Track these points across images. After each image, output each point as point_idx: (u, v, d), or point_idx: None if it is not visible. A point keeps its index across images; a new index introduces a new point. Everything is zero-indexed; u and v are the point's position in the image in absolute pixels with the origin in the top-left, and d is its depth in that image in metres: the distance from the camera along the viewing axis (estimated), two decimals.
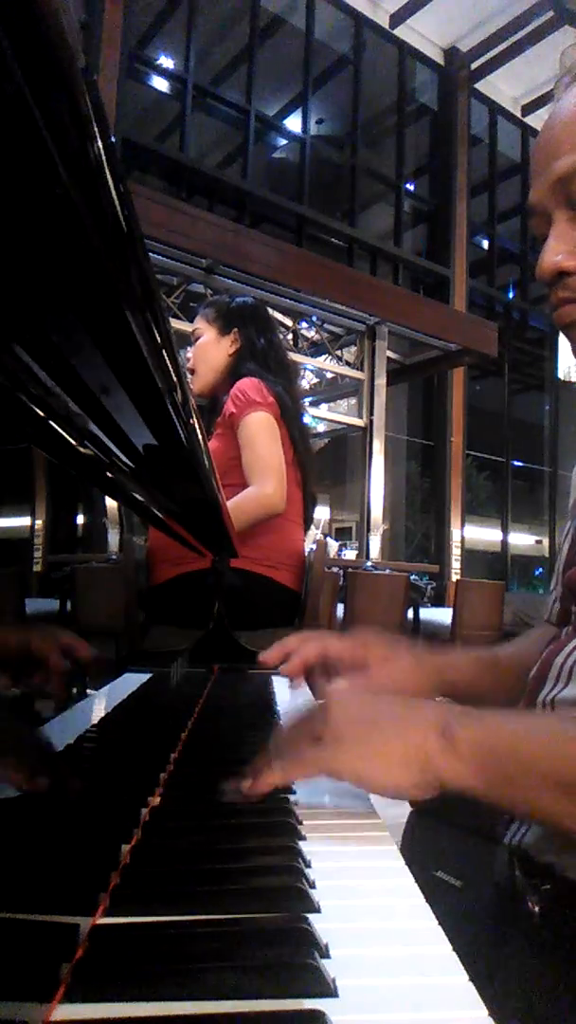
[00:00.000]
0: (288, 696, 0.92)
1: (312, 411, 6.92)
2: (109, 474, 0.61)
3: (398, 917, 0.35)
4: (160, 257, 4.96)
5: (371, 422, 6.44)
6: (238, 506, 1.67)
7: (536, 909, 0.51)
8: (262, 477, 1.71)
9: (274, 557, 1.80)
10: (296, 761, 0.46)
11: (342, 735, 0.45)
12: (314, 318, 6.26)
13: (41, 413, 0.44)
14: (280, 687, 0.99)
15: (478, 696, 0.75)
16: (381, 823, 0.47)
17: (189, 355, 2.02)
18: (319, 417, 7.03)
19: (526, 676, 0.77)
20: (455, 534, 8.19)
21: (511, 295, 9.82)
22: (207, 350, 1.94)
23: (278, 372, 1.91)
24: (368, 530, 6.36)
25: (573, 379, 5.75)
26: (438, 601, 6.63)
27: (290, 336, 6.33)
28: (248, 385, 1.78)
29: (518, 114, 9.47)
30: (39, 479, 6.65)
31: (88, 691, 0.96)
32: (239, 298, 2.04)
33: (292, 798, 0.50)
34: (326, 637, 0.72)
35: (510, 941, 0.53)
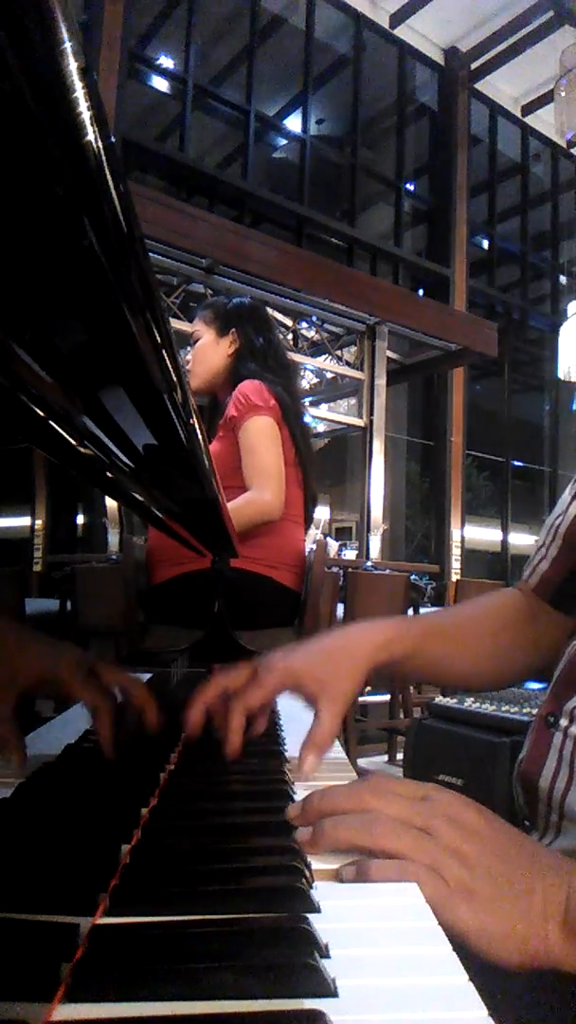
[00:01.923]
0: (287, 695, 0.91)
1: (312, 411, 6.92)
2: (109, 474, 0.61)
3: (398, 917, 0.35)
4: (160, 257, 4.96)
5: (371, 422, 6.44)
6: (236, 510, 1.67)
7: None
8: (261, 483, 1.71)
9: (274, 557, 1.80)
10: (410, 876, 0.39)
11: (467, 889, 0.39)
12: (314, 318, 6.25)
13: (41, 413, 0.44)
14: None
15: (420, 666, 0.72)
16: None
17: (188, 356, 2.01)
18: (319, 417, 7.03)
19: (470, 644, 0.76)
20: (455, 534, 8.19)
21: (511, 295, 9.81)
22: (206, 351, 1.94)
23: (278, 371, 1.91)
24: (368, 530, 6.36)
25: (573, 379, 5.74)
26: (438, 601, 6.62)
27: (290, 336, 6.33)
28: (250, 388, 1.78)
29: (518, 114, 9.47)
30: (39, 479, 6.64)
31: None
32: (236, 298, 2.04)
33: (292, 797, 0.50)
34: (224, 675, 0.65)
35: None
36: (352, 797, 0.43)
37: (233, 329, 1.92)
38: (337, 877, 0.40)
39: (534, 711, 0.70)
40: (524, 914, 0.39)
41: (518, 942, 0.38)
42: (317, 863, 0.40)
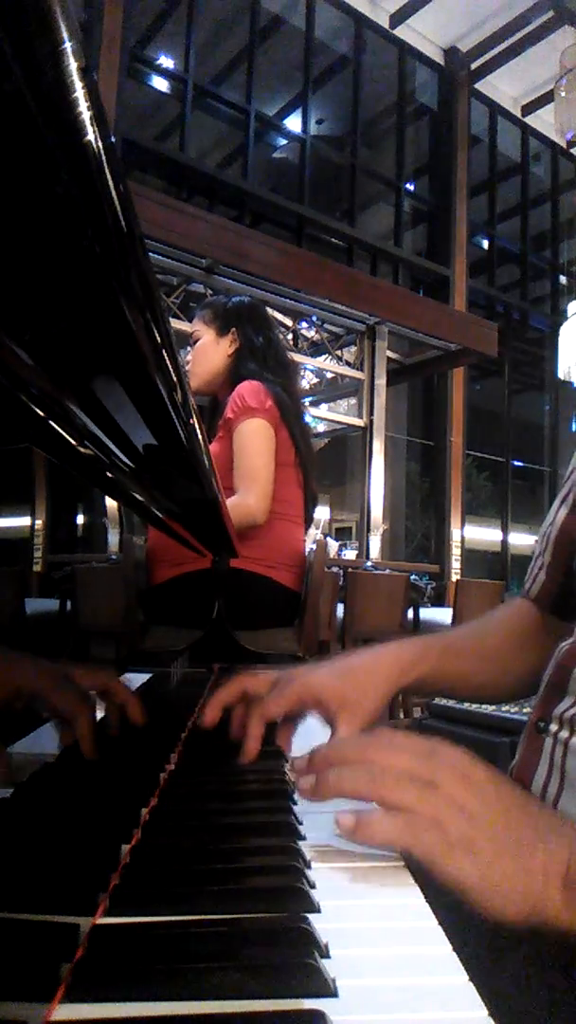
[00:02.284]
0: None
1: (312, 411, 6.92)
2: (109, 474, 0.61)
3: (398, 917, 0.35)
4: (160, 257, 4.96)
5: (371, 422, 6.44)
6: None
7: None
8: (246, 487, 1.71)
9: (274, 557, 1.80)
10: (409, 831, 0.39)
11: (469, 843, 0.39)
12: (314, 318, 6.26)
13: (41, 413, 0.44)
14: None
15: (442, 685, 0.72)
16: None
17: (188, 356, 2.01)
18: (319, 417, 7.03)
19: (491, 659, 0.76)
20: (455, 534, 8.19)
21: (511, 295, 9.81)
22: (206, 351, 1.93)
23: (277, 371, 1.91)
24: (368, 530, 6.36)
25: (573, 379, 5.74)
26: (438, 601, 6.63)
27: (290, 336, 6.33)
28: (247, 390, 1.77)
29: (518, 114, 9.47)
30: (39, 479, 6.64)
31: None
32: (236, 298, 2.04)
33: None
34: (248, 678, 0.66)
35: (514, 942, 0.53)
36: (359, 749, 0.44)
37: (233, 329, 1.92)
38: (335, 823, 0.40)
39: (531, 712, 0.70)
40: (525, 870, 0.39)
41: (518, 897, 0.39)
42: (317, 862, 0.40)
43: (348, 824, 0.40)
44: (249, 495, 1.70)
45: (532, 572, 0.80)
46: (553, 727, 0.62)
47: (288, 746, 0.66)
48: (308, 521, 1.98)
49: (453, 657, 0.73)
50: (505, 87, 9.11)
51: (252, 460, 1.73)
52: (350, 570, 3.85)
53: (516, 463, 10.04)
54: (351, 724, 0.63)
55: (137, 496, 0.73)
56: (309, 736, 0.73)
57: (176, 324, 4.85)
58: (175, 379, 0.43)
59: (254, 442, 1.74)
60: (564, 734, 0.60)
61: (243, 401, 1.76)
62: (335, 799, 0.43)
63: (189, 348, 2.02)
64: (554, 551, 0.76)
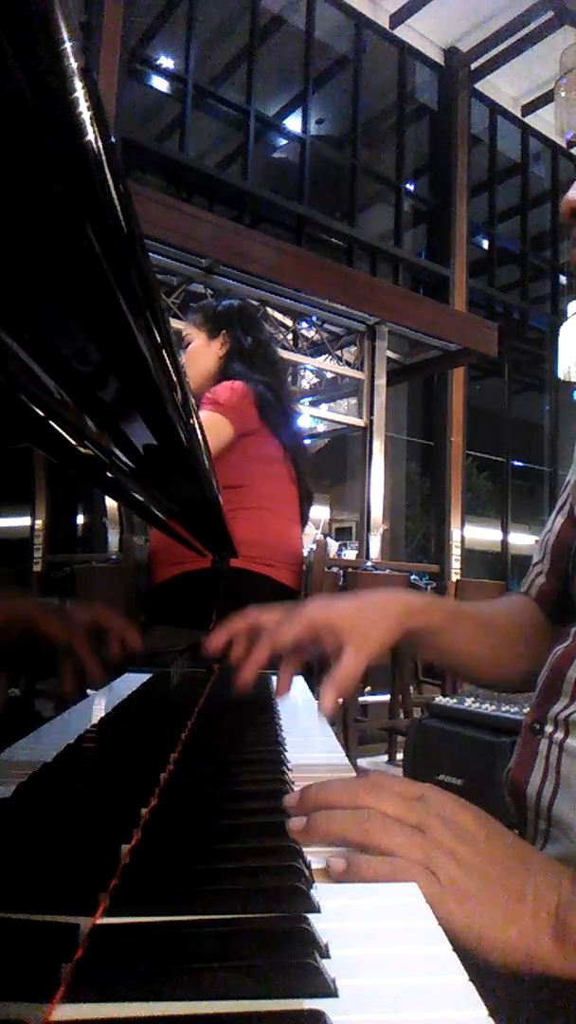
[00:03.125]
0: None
1: (312, 411, 6.91)
2: (109, 474, 0.61)
3: (398, 917, 0.35)
4: (160, 257, 4.96)
5: (371, 422, 6.43)
6: None
7: None
8: None
9: (271, 555, 1.80)
10: (401, 873, 0.39)
11: (458, 887, 0.39)
12: (314, 318, 6.25)
13: (41, 413, 0.44)
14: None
15: (444, 640, 0.73)
16: None
17: (182, 360, 2.03)
18: (319, 417, 7.02)
19: (497, 634, 0.77)
20: (455, 534, 8.19)
21: (511, 295, 9.81)
22: (198, 354, 1.96)
23: (265, 369, 1.93)
24: (368, 530, 6.36)
25: (573, 379, 5.74)
26: None
27: (290, 336, 6.33)
28: (222, 386, 1.81)
29: (518, 114, 9.47)
30: (39, 479, 6.64)
31: (88, 691, 0.96)
32: (225, 301, 2.07)
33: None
34: (261, 612, 0.67)
35: None
36: (348, 792, 0.44)
37: (223, 331, 1.95)
38: (326, 868, 0.40)
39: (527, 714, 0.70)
40: (515, 917, 0.39)
41: (508, 945, 0.39)
42: (317, 863, 0.40)
43: (338, 868, 0.39)
44: None
45: (530, 577, 0.81)
46: (548, 728, 0.62)
47: (288, 678, 0.67)
48: (304, 518, 1.99)
49: (460, 619, 0.74)
50: (505, 87, 9.11)
51: None
52: (350, 570, 3.85)
53: (516, 463, 10.04)
54: (359, 650, 0.64)
55: (137, 496, 0.73)
56: (306, 736, 0.73)
57: (176, 324, 4.84)
58: (175, 379, 0.43)
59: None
60: (559, 735, 0.60)
61: (212, 395, 1.79)
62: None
63: (182, 352, 2.04)
64: (552, 559, 0.76)
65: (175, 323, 4.99)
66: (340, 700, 0.62)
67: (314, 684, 0.79)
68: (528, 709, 0.68)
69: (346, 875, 0.39)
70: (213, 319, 1.97)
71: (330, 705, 0.61)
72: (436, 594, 6.49)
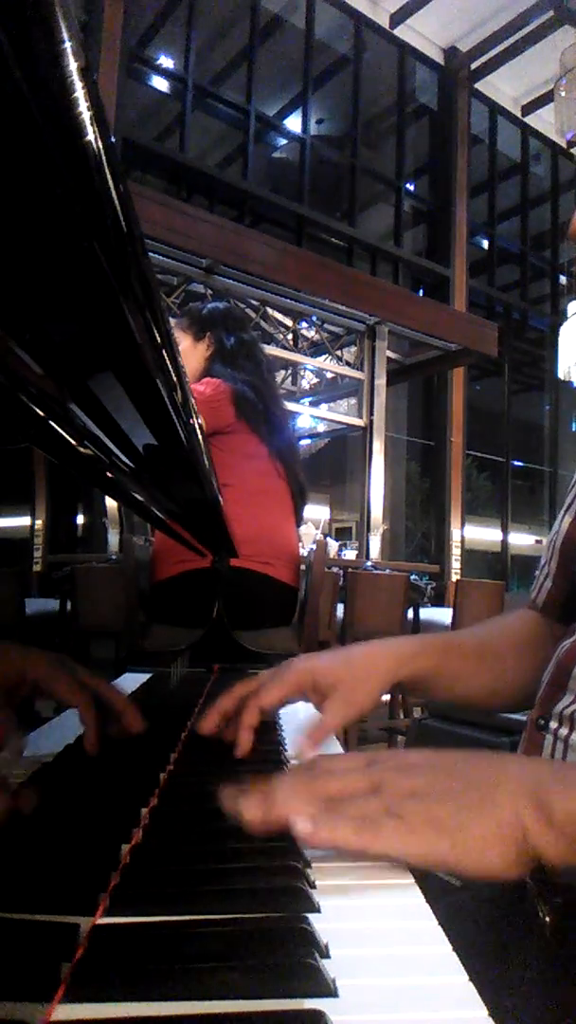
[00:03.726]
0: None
1: (312, 411, 6.91)
2: (109, 474, 0.61)
3: (398, 917, 0.35)
4: (160, 257, 4.96)
5: (371, 422, 6.44)
6: None
7: (547, 919, 0.51)
8: None
9: (268, 553, 1.81)
10: (370, 833, 0.38)
11: (425, 815, 0.38)
12: (314, 318, 6.25)
13: (41, 413, 0.44)
14: None
15: (440, 683, 0.71)
16: None
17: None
18: (319, 417, 7.03)
19: (491, 662, 0.75)
20: (455, 534, 8.19)
21: (511, 295, 9.81)
22: (186, 356, 1.98)
23: (249, 369, 1.95)
24: (368, 530, 6.36)
25: (573, 379, 5.74)
26: (438, 601, 6.63)
27: (290, 336, 6.33)
28: (203, 381, 1.83)
29: (518, 114, 9.47)
30: (39, 479, 6.64)
31: None
32: (210, 304, 2.11)
33: None
34: (245, 683, 0.65)
35: (514, 943, 0.53)
36: (302, 778, 0.43)
37: (208, 333, 1.98)
38: (291, 826, 0.39)
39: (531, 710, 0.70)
40: (495, 817, 0.38)
41: (498, 846, 0.38)
42: (317, 862, 0.40)
43: (305, 828, 0.38)
44: None
45: (538, 582, 0.80)
46: (553, 724, 0.62)
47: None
48: (299, 514, 2.00)
49: (454, 656, 0.72)
50: (505, 87, 9.11)
51: None
52: (350, 570, 3.85)
53: (516, 463, 10.04)
54: (341, 707, 0.62)
55: (137, 496, 0.73)
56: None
57: (176, 324, 4.84)
58: (175, 379, 0.43)
59: None
60: (564, 731, 0.60)
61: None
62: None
63: None
64: (560, 559, 0.76)
65: (174, 323, 4.99)
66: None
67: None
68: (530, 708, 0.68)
69: (314, 834, 0.38)
70: (199, 321, 2.01)
71: (305, 755, 0.59)
72: (435, 594, 6.50)
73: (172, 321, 2.11)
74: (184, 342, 1.99)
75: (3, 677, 0.59)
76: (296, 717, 0.81)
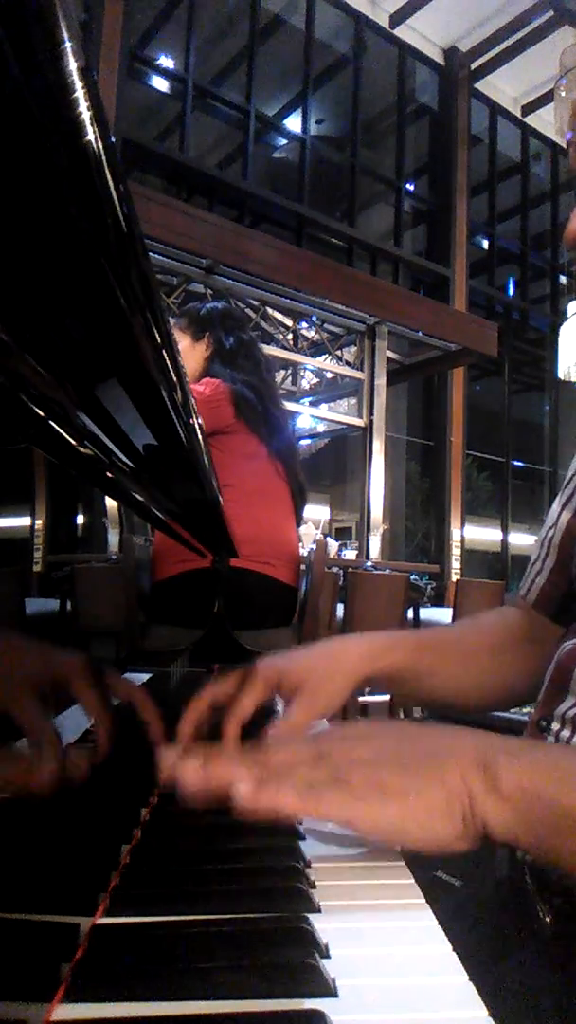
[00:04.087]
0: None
1: (312, 411, 6.91)
2: (109, 474, 0.61)
3: (398, 917, 0.35)
4: (160, 257, 4.96)
5: (371, 422, 6.44)
6: None
7: (547, 920, 0.51)
8: None
9: (268, 553, 1.81)
10: (316, 797, 0.38)
11: (372, 782, 0.38)
12: (314, 318, 6.26)
13: (41, 413, 0.44)
14: None
15: (412, 679, 0.69)
16: None
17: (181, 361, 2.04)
18: (319, 417, 7.03)
19: (466, 660, 0.73)
20: (455, 534, 8.19)
21: (511, 295, 9.81)
22: (185, 356, 1.98)
23: (248, 369, 1.95)
24: (368, 530, 6.36)
25: (573, 379, 5.74)
26: (438, 601, 6.63)
27: (290, 336, 6.33)
28: (202, 382, 1.83)
29: (518, 114, 9.47)
30: (39, 479, 6.65)
31: None
32: (209, 304, 2.11)
33: None
34: (212, 686, 0.63)
35: (514, 943, 0.53)
36: (251, 763, 0.42)
37: (207, 333, 1.98)
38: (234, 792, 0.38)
39: (533, 711, 0.68)
40: (443, 784, 0.38)
41: (446, 814, 0.37)
42: (317, 862, 0.40)
43: (246, 791, 0.37)
44: None
45: (529, 578, 0.78)
46: (555, 726, 0.62)
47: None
48: (299, 514, 2.00)
49: (427, 652, 0.70)
50: (505, 87, 9.12)
51: None
52: (350, 570, 3.85)
53: (516, 463, 10.04)
54: (308, 705, 0.61)
55: (137, 496, 0.73)
56: None
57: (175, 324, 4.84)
58: (175, 379, 0.43)
59: None
60: (566, 733, 0.60)
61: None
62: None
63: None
64: (558, 555, 0.74)
65: (174, 323, 4.99)
66: None
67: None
68: (530, 708, 0.67)
69: (257, 799, 0.37)
70: (197, 322, 2.01)
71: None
72: (435, 594, 6.50)
73: (171, 321, 2.11)
74: (183, 342, 1.99)
75: (37, 677, 0.57)
76: None
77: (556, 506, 0.76)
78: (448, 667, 0.71)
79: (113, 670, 0.62)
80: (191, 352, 1.98)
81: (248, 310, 5.61)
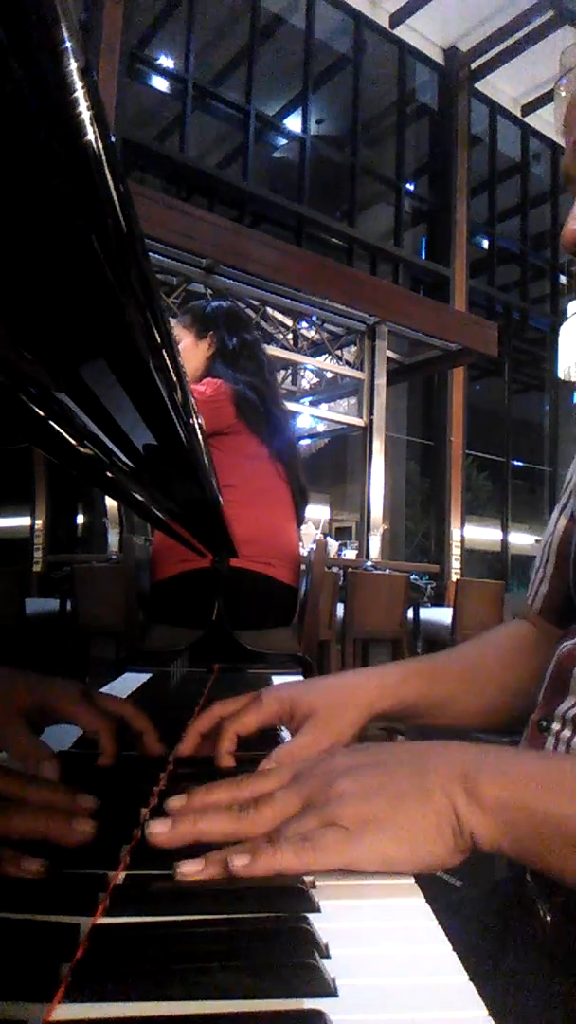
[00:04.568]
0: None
1: (312, 411, 6.91)
2: (109, 474, 0.61)
3: (398, 917, 0.35)
4: (160, 257, 4.96)
5: (371, 422, 6.44)
6: None
7: (548, 919, 0.51)
8: None
9: (269, 553, 1.81)
10: (312, 849, 0.37)
11: (363, 818, 0.38)
12: (314, 318, 6.26)
13: (41, 413, 0.44)
14: None
15: (427, 710, 0.69)
16: None
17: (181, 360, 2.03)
18: (319, 417, 7.03)
19: (483, 683, 0.72)
20: (455, 534, 8.19)
21: (511, 295, 9.81)
22: (185, 354, 1.97)
23: (251, 370, 1.94)
24: (368, 530, 6.36)
25: (573, 379, 5.74)
26: (438, 601, 6.63)
27: (290, 336, 6.33)
28: (203, 382, 1.82)
29: (518, 114, 9.47)
30: (39, 479, 6.64)
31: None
32: (214, 303, 2.10)
33: None
34: (222, 704, 0.64)
35: (513, 942, 0.53)
36: (225, 787, 0.43)
37: (210, 333, 1.97)
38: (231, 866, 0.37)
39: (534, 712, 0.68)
40: (429, 806, 0.38)
41: (436, 835, 0.38)
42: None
43: (242, 862, 0.36)
44: None
45: (534, 586, 0.78)
46: (556, 726, 0.62)
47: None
48: (300, 515, 1.99)
49: (441, 681, 0.69)
50: (505, 87, 9.12)
51: None
52: (350, 570, 3.85)
53: (516, 463, 10.04)
54: (316, 732, 0.60)
55: (137, 496, 0.73)
56: None
57: (176, 324, 4.84)
58: (175, 379, 0.43)
59: None
60: (567, 733, 0.60)
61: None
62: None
63: None
64: (556, 560, 0.75)
65: (174, 323, 4.99)
66: None
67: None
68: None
69: (254, 867, 0.37)
70: (201, 320, 2.00)
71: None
72: (435, 594, 6.50)
73: (174, 320, 2.11)
74: (185, 340, 1.98)
75: (25, 705, 0.58)
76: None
77: (556, 512, 0.76)
78: (463, 694, 0.71)
79: (96, 691, 0.62)
80: (193, 350, 1.97)
81: (248, 310, 5.60)
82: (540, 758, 0.43)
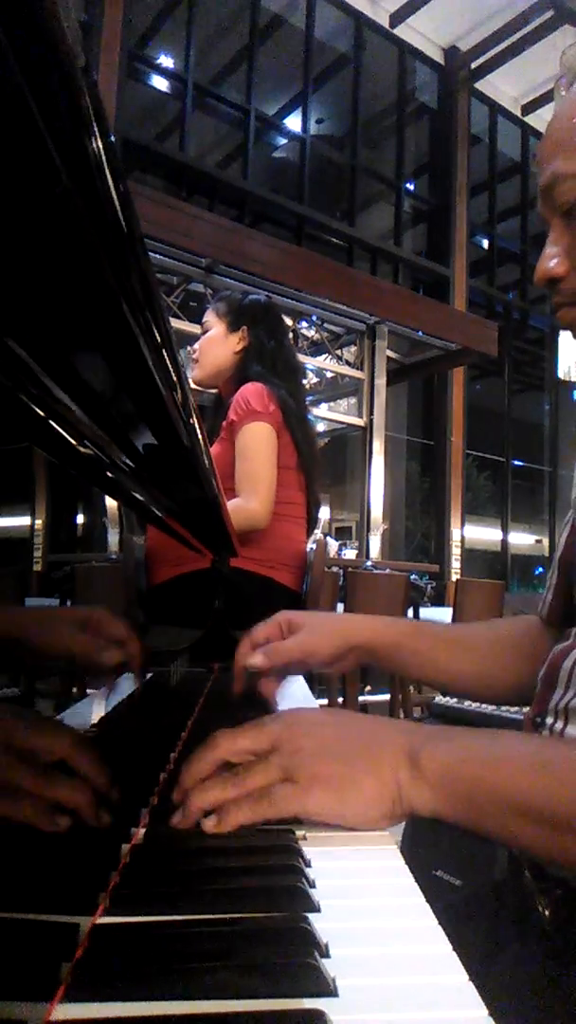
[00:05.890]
0: (286, 694, 0.92)
1: (312, 411, 6.91)
2: (109, 474, 0.61)
3: (398, 917, 0.35)
4: (160, 257, 4.96)
5: (371, 422, 6.44)
6: None
7: (546, 913, 0.51)
8: (249, 491, 1.70)
9: (276, 558, 1.80)
10: (266, 802, 0.43)
11: (315, 775, 0.43)
12: (314, 318, 6.26)
13: (41, 413, 0.44)
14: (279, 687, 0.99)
15: (395, 660, 0.77)
16: None
17: (196, 346, 1.98)
18: (319, 417, 7.03)
19: (470, 651, 0.80)
20: (455, 534, 8.19)
21: (511, 295, 9.81)
22: (214, 344, 1.91)
23: (285, 375, 1.89)
24: (368, 530, 6.36)
25: (573, 379, 5.75)
26: (438, 601, 6.63)
27: (290, 336, 6.33)
28: (251, 392, 1.76)
29: (518, 114, 9.47)
30: (39, 479, 6.65)
31: (88, 691, 0.96)
32: (252, 296, 2.01)
33: None
34: (255, 630, 0.78)
35: (513, 941, 0.53)
36: (208, 757, 0.47)
37: (244, 327, 1.89)
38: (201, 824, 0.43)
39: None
40: (378, 776, 0.43)
41: (380, 801, 0.43)
42: (317, 861, 0.40)
43: (210, 823, 0.42)
44: (252, 499, 1.69)
45: (544, 597, 0.82)
46: (549, 720, 0.63)
47: (272, 696, 0.78)
48: (311, 524, 1.98)
49: (426, 637, 0.78)
50: (505, 87, 9.11)
51: (255, 464, 1.72)
52: (350, 570, 3.85)
53: (516, 463, 10.04)
54: (308, 639, 0.74)
55: (137, 496, 0.73)
56: None
57: (176, 324, 4.85)
58: (175, 379, 0.43)
59: (257, 446, 1.73)
60: (559, 724, 0.61)
61: (247, 404, 1.74)
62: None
63: (190, 344, 2.01)
64: (559, 572, 0.77)
65: (175, 323, 4.99)
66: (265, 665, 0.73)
67: (313, 685, 0.85)
68: (528, 709, 0.68)
69: (221, 824, 0.42)
70: (236, 312, 1.90)
71: (256, 664, 0.73)
72: (435, 594, 6.49)
73: (181, 318, 2.07)
74: (216, 329, 1.90)
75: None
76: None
77: (564, 528, 0.79)
78: (451, 652, 0.79)
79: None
80: (222, 341, 1.89)
81: None
82: (481, 735, 0.48)
